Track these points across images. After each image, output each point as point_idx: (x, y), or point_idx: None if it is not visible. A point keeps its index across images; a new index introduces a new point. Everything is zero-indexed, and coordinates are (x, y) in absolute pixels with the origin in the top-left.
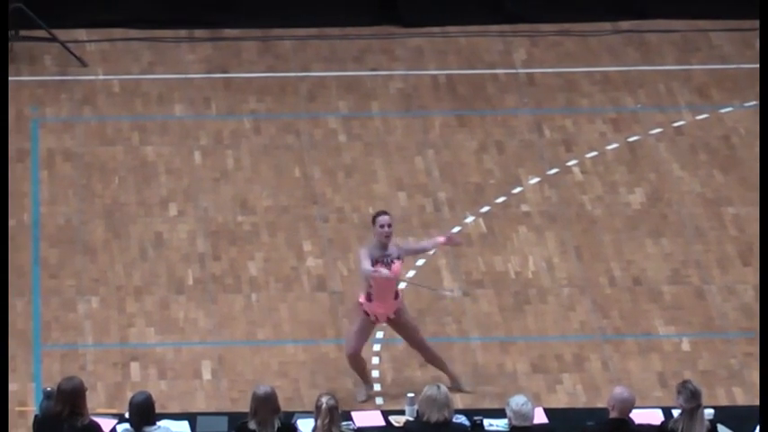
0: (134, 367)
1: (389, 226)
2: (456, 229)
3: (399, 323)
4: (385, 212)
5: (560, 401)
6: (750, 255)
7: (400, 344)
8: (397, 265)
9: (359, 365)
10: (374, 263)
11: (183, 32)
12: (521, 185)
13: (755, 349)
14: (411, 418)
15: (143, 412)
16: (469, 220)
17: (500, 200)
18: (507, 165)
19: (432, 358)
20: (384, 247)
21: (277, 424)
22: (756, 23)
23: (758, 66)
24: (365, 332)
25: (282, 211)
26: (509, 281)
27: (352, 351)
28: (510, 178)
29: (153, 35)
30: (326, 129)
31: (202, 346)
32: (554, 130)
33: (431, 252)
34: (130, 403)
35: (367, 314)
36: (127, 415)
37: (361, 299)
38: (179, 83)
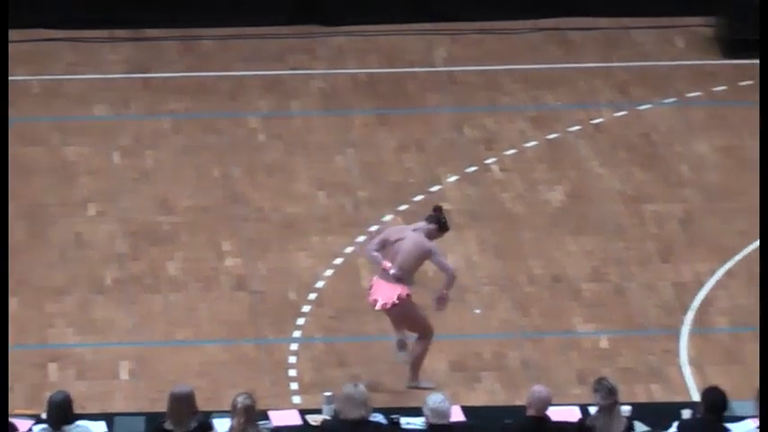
0: (52, 368)
1: None
2: (374, 228)
3: None
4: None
5: (479, 400)
6: (669, 252)
7: (318, 343)
8: None
9: None
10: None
11: (104, 33)
12: (440, 184)
13: (675, 346)
14: (329, 417)
15: (61, 411)
16: (388, 218)
17: (419, 198)
18: (428, 163)
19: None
20: None
21: (193, 424)
22: (678, 20)
23: (680, 63)
24: None
25: (203, 211)
26: (428, 279)
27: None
28: (430, 177)
29: (75, 35)
30: (247, 128)
31: (122, 347)
32: (475, 128)
33: (347, 250)
34: (48, 402)
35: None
36: (44, 415)
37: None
38: (101, 83)
